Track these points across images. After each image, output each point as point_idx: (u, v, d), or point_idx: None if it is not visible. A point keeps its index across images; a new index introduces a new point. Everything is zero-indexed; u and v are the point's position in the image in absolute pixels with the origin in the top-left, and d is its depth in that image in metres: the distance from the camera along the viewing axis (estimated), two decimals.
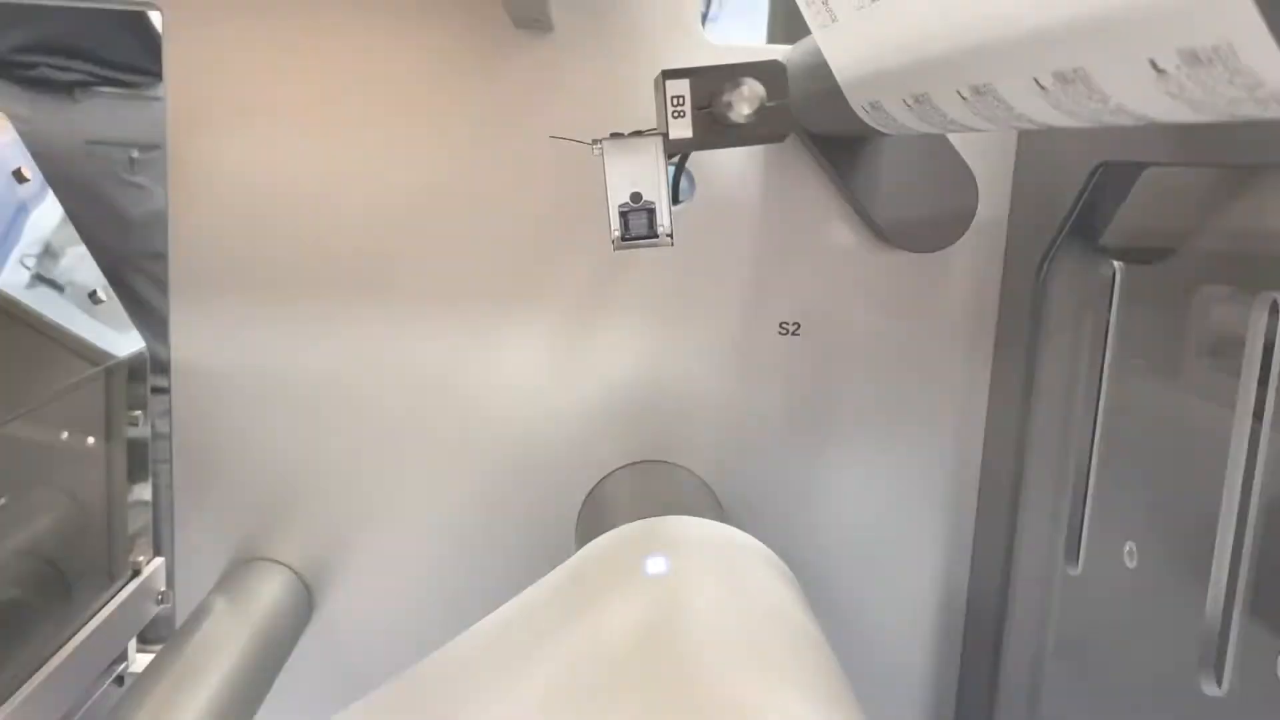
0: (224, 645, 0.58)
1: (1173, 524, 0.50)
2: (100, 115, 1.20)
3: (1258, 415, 0.44)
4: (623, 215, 0.44)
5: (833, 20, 0.40)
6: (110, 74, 1.19)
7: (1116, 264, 0.55)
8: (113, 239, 1.19)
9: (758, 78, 0.42)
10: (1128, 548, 0.53)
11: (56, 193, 0.67)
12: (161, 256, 0.60)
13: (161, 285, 0.64)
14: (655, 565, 0.49)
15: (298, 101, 0.62)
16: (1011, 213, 0.63)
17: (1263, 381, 0.43)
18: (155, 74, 1.22)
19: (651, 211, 0.44)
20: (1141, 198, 0.53)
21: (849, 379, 0.66)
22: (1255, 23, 0.18)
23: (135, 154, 1.21)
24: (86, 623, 0.60)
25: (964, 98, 0.33)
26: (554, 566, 0.52)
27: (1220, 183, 0.49)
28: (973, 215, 0.61)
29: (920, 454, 0.67)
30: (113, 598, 0.63)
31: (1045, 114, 0.30)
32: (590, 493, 0.66)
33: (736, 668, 0.41)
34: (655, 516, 0.53)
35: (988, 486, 0.66)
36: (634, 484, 0.64)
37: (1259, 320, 0.44)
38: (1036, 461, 0.61)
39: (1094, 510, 0.57)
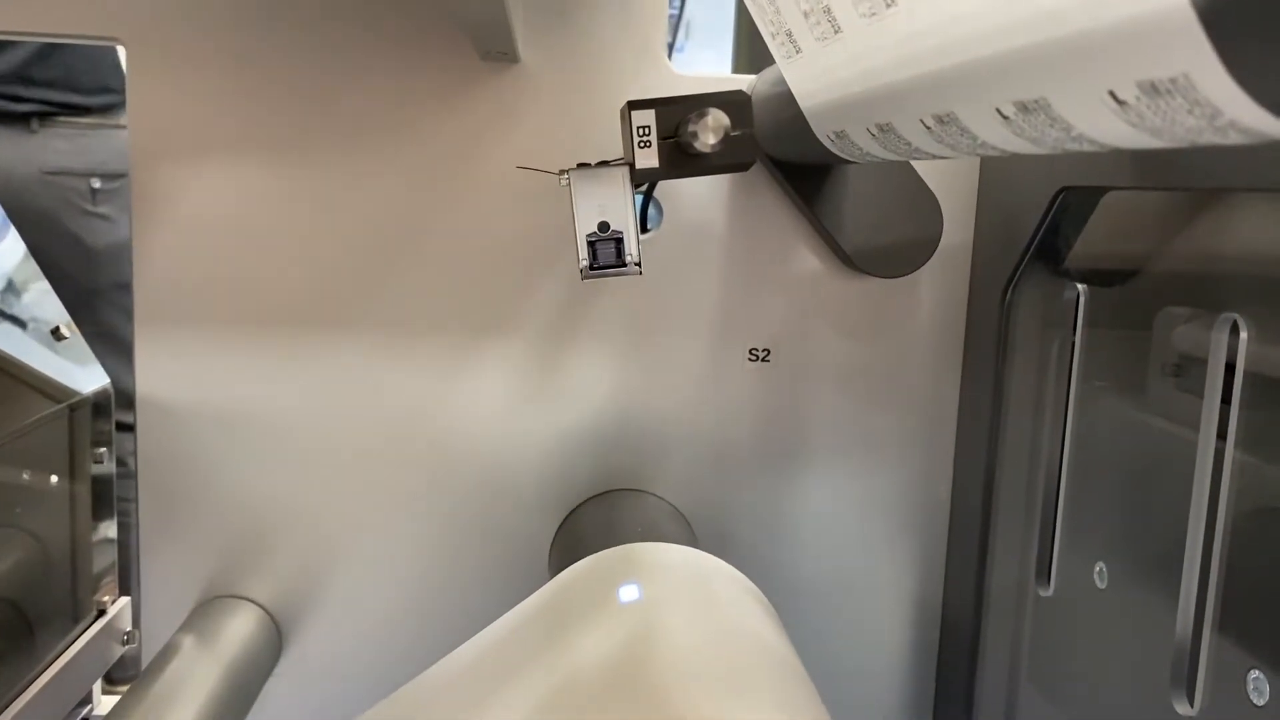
0: (192, 685, 0.57)
1: (1142, 544, 0.50)
2: (59, 145, 1.19)
3: (1221, 434, 0.44)
4: (591, 245, 0.44)
5: (797, 52, 0.41)
6: (70, 101, 1.18)
7: (1080, 287, 0.55)
8: (78, 271, 1.18)
9: (722, 108, 0.42)
10: (1098, 568, 0.53)
11: (16, 225, 0.66)
12: (128, 287, 0.59)
13: (130, 315, 0.63)
14: (629, 592, 0.49)
15: (262, 133, 0.62)
16: (976, 238, 0.64)
17: (1226, 401, 0.44)
18: (116, 103, 1.21)
19: (619, 241, 0.44)
20: (1103, 222, 0.53)
21: (819, 404, 0.66)
22: (1210, 56, 0.19)
23: (97, 184, 1.20)
24: (50, 665, 0.59)
25: (928, 127, 0.34)
26: (527, 597, 0.52)
27: (1180, 206, 0.50)
28: (938, 241, 0.61)
29: (891, 477, 0.67)
30: (77, 639, 0.62)
31: (1009, 142, 0.30)
32: (563, 522, 0.66)
33: (712, 693, 0.41)
34: (627, 544, 0.53)
35: (959, 509, 0.67)
36: (606, 512, 0.64)
37: (1220, 340, 0.44)
38: (1006, 483, 0.61)
39: (1064, 531, 0.57)
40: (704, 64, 1.82)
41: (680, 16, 1.38)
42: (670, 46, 0.81)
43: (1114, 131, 0.25)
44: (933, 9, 0.29)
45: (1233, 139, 0.21)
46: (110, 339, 1.15)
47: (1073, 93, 0.24)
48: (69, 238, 1.19)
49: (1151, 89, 0.21)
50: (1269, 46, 0.18)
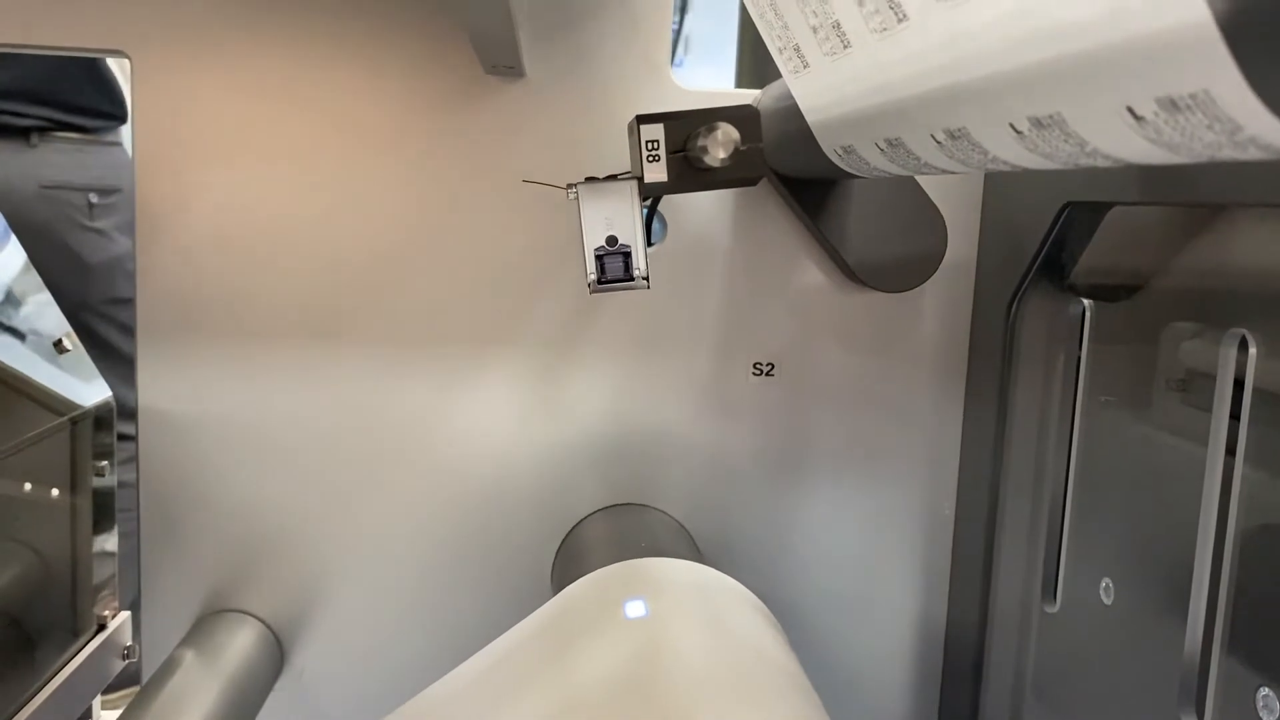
0: (192, 700, 0.57)
1: (1149, 560, 0.50)
2: (58, 160, 1.19)
3: (1230, 450, 0.44)
4: (599, 259, 0.44)
5: (805, 67, 0.41)
6: (68, 118, 1.18)
7: (1085, 302, 0.55)
8: (73, 284, 1.18)
9: (732, 122, 0.42)
10: (1104, 584, 0.53)
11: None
12: (122, 301, 0.59)
13: (125, 329, 0.63)
14: (635, 608, 0.48)
15: (267, 147, 0.62)
16: (980, 252, 0.64)
17: (1234, 416, 0.44)
18: (114, 118, 1.22)
19: (627, 255, 0.44)
20: (1108, 237, 0.53)
21: (823, 419, 0.66)
22: (1232, 72, 0.19)
23: (94, 199, 1.20)
24: (49, 680, 0.58)
25: (938, 142, 0.34)
26: (530, 613, 0.52)
27: (1185, 221, 0.50)
28: (942, 255, 0.61)
29: (896, 492, 0.67)
30: (77, 654, 0.61)
31: (1021, 157, 0.30)
32: (566, 537, 0.66)
33: (719, 708, 0.41)
34: (632, 559, 0.53)
35: (963, 523, 0.66)
36: (610, 527, 0.64)
37: (1228, 356, 0.44)
38: (1011, 499, 0.61)
39: (1070, 547, 0.57)
40: (704, 79, 1.82)
41: (679, 31, 1.39)
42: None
43: (1130, 147, 0.24)
44: (946, 24, 0.29)
45: (1252, 154, 0.21)
46: (105, 352, 1.15)
47: (1089, 108, 0.24)
48: (65, 251, 1.19)
49: (1170, 105, 0.21)
50: None
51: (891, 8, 0.31)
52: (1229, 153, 0.22)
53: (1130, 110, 0.23)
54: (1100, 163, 0.27)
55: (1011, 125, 0.28)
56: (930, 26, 0.30)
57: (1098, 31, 0.22)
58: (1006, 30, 0.26)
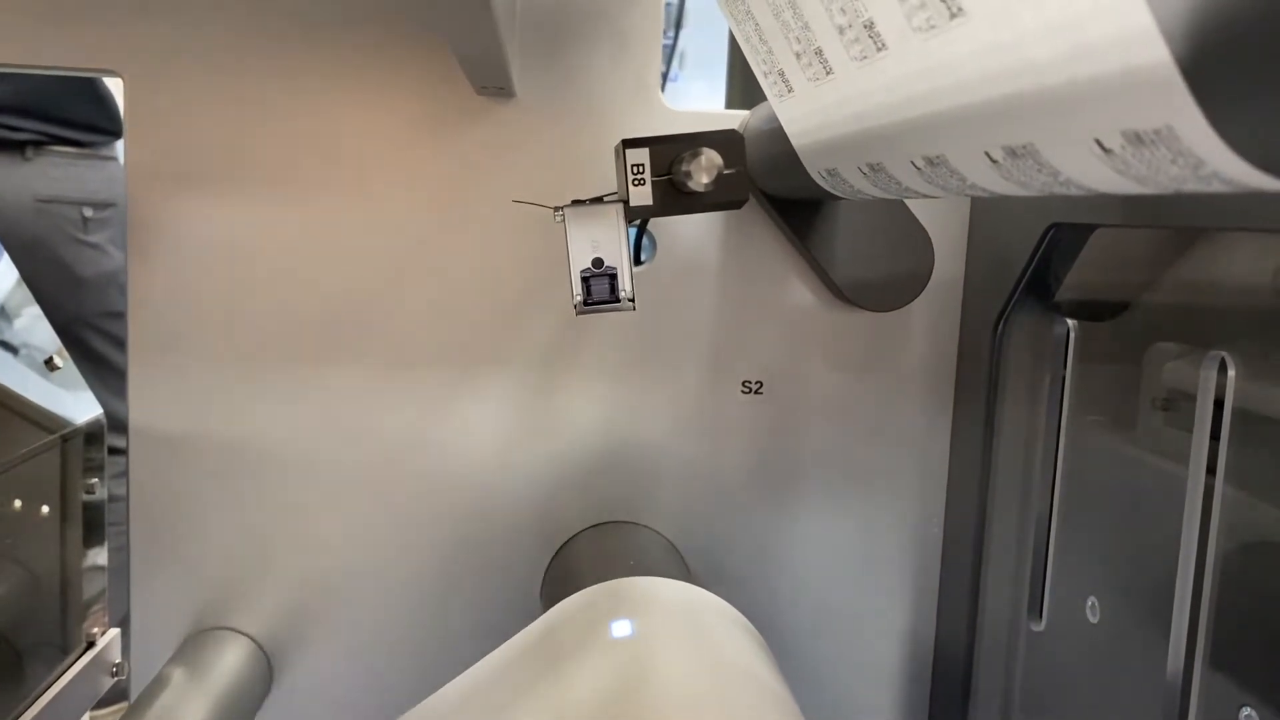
0: (180, 718, 0.57)
1: (1133, 578, 0.51)
2: (53, 174, 1.19)
3: (1210, 470, 0.45)
4: (585, 280, 0.44)
5: (789, 91, 0.41)
6: (64, 133, 1.19)
7: (1070, 322, 0.56)
8: (67, 298, 1.19)
9: (715, 147, 0.43)
10: (1090, 603, 0.53)
11: (8, 252, 0.66)
12: (116, 315, 0.59)
13: (119, 343, 0.63)
14: (621, 628, 0.49)
15: (258, 165, 0.62)
16: (967, 272, 0.65)
17: (1214, 436, 0.44)
18: (110, 133, 1.22)
19: (613, 277, 0.44)
20: (1092, 257, 0.54)
21: (812, 437, 0.66)
22: (1193, 110, 0.19)
23: (88, 212, 1.21)
24: (38, 698, 0.58)
25: (918, 168, 0.34)
26: (520, 630, 0.52)
27: (1168, 243, 0.50)
28: (929, 275, 0.62)
29: (884, 510, 0.67)
30: (66, 671, 0.61)
31: (998, 184, 0.31)
32: (555, 555, 0.66)
33: None
34: (621, 578, 0.53)
35: (951, 543, 0.67)
36: (599, 545, 0.64)
37: (1209, 378, 0.45)
38: (998, 517, 0.62)
39: (1056, 566, 0.58)
40: (698, 94, 1.83)
41: (674, 46, 1.40)
42: (664, 76, 0.81)
43: (1100, 178, 0.25)
44: (924, 55, 0.29)
45: (1216, 188, 0.22)
46: (98, 365, 1.15)
47: (1059, 140, 0.25)
48: (60, 265, 1.19)
49: (1136, 139, 0.22)
50: (1251, 101, 0.18)
51: (871, 37, 0.32)
52: (1194, 185, 0.22)
53: (1098, 142, 0.23)
54: (1073, 191, 0.27)
55: (987, 154, 0.29)
56: (908, 57, 0.30)
57: (1065, 67, 0.23)
58: (981, 63, 0.26)
